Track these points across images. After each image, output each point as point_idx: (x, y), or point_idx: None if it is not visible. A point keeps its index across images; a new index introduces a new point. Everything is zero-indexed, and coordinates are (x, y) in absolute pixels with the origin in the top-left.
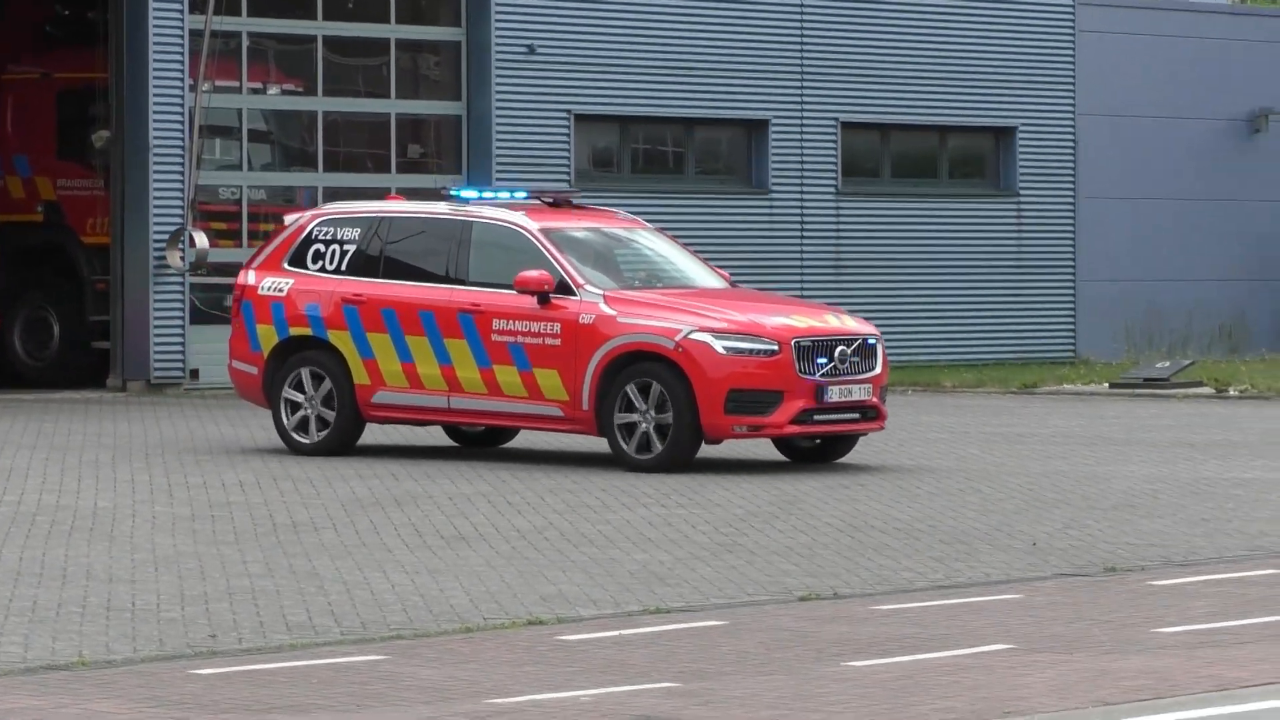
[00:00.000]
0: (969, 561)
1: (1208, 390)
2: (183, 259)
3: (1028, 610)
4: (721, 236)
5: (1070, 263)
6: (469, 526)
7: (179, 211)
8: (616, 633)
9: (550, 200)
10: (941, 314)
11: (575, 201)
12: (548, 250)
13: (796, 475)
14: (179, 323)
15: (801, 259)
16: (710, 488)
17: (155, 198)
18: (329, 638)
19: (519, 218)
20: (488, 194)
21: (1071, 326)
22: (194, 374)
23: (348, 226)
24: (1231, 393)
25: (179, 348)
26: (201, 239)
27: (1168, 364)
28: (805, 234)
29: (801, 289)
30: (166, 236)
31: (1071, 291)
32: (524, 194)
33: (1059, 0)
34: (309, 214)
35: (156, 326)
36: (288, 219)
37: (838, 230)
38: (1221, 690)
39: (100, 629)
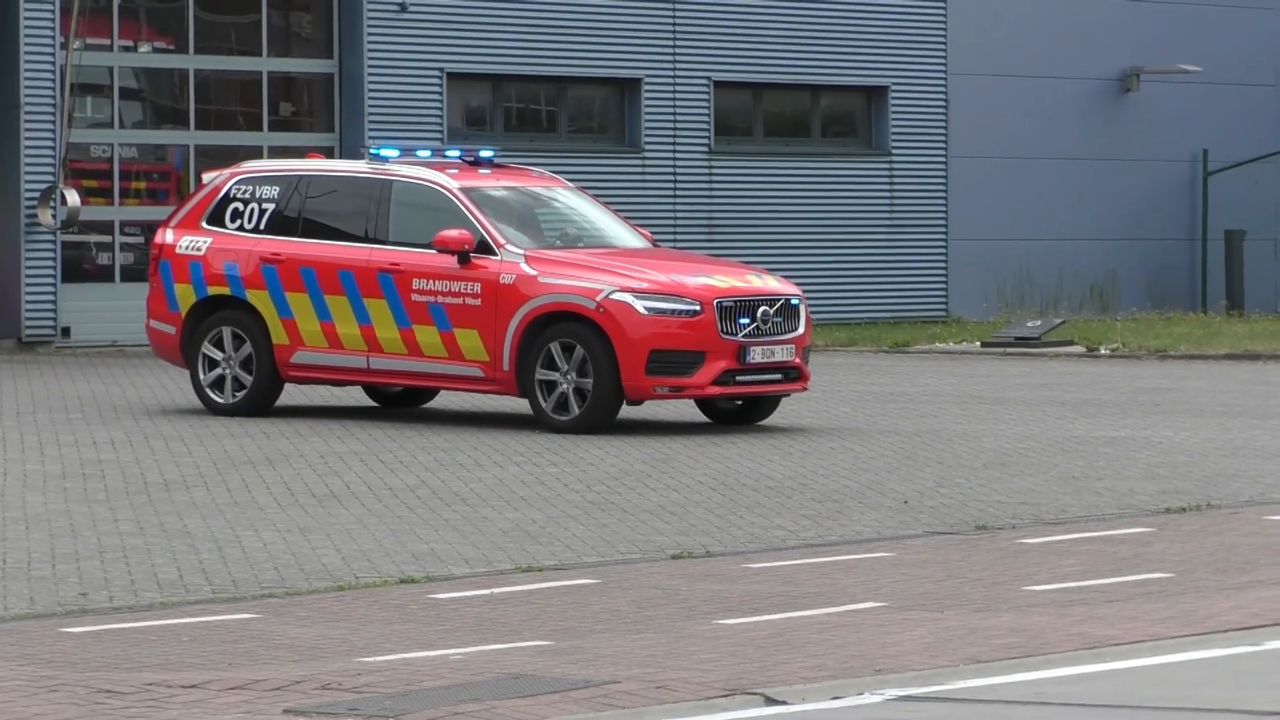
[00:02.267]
0: (840, 520)
1: (1078, 349)
2: (54, 217)
3: (899, 568)
4: (595, 195)
5: (942, 222)
6: (341, 485)
7: (50, 169)
8: (488, 591)
9: (470, 159)
10: (814, 273)
11: (495, 160)
12: (468, 209)
13: (669, 434)
14: (50, 281)
15: (675, 218)
16: (583, 446)
17: (26, 156)
18: (200, 596)
19: (439, 177)
20: (422, 154)
21: (944, 286)
22: (65, 332)
23: (267, 185)
24: (1102, 352)
25: (50, 306)
26: (73, 197)
27: (1039, 323)
28: (678, 193)
29: (675, 248)
30: (38, 194)
31: (944, 251)
32: (457, 153)
33: None
34: (227, 172)
35: (28, 284)
36: (205, 177)
37: (710, 190)
38: (1091, 648)
39: None
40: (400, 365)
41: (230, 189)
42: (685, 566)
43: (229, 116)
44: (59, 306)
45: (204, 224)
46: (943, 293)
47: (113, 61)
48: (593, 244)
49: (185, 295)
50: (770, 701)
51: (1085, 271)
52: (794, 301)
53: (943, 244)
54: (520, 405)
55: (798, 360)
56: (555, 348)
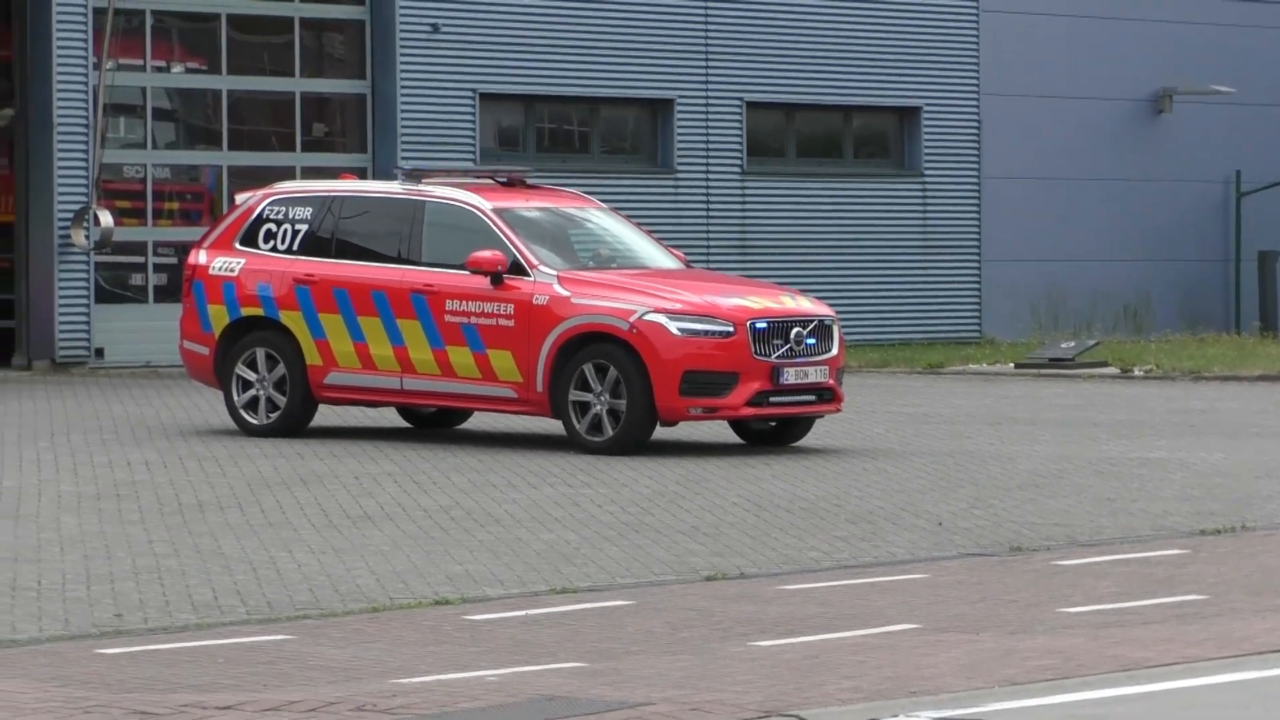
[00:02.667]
0: (875, 541)
1: (1112, 370)
2: (87, 237)
3: (933, 590)
4: (627, 216)
5: (975, 243)
6: (375, 506)
7: (84, 190)
8: (523, 613)
9: (504, 180)
10: (847, 294)
11: (529, 181)
12: (501, 230)
13: (703, 456)
14: (84, 302)
15: (708, 239)
16: (617, 467)
17: (59, 176)
18: (234, 617)
19: (472, 197)
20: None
21: (977, 306)
22: (99, 353)
23: (300, 206)
24: (1136, 373)
25: (84, 326)
26: (106, 217)
27: (1073, 344)
28: (711, 214)
29: (708, 269)
30: (71, 215)
31: (977, 271)
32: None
33: None
34: (260, 193)
35: (61, 305)
36: (239, 198)
37: (743, 210)
38: (1126, 670)
39: (5, 608)
40: (434, 386)
41: (263, 210)
42: (720, 588)
43: (262, 137)
44: (92, 327)
45: (237, 245)
46: (976, 314)
47: (146, 82)
48: (626, 265)
49: (219, 316)
50: None
51: (1118, 292)
52: (827, 322)
53: (976, 265)
54: (554, 426)
55: (831, 381)
56: (589, 369)
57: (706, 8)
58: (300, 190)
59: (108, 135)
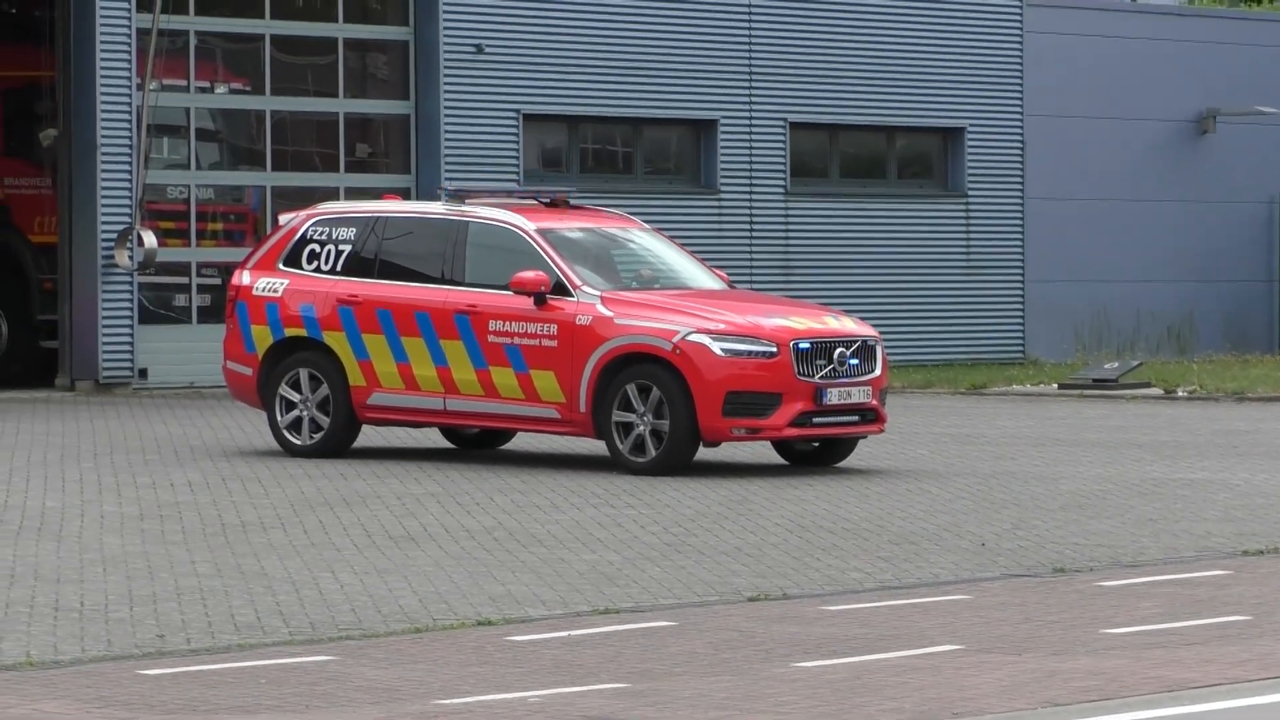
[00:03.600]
0: (917, 562)
1: (1156, 391)
2: (131, 258)
3: (976, 611)
4: (670, 236)
5: (1019, 263)
6: (418, 526)
7: (127, 210)
8: (565, 633)
9: (547, 200)
10: (890, 315)
11: (572, 201)
12: (544, 251)
13: (746, 476)
14: (128, 322)
15: (751, 259)
16: (660, 488)
17: (103, 197)
18: (277, 638)
19: (515, 218)
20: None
21: (1020, 327)
22: (143, 373)
23: (343, 227)
24: (1179, 394)
25: (128, 347)
26: (149, 238)
27: (1116, 365)
28: (754, 234)
29: (751, 289)
30: (114, 236)
31: (1020, 292)
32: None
33: (1007, 1)
34: (304, 214)
35: (105, 326)
36: (282, 219)
37: (786, 230)
38: (1169, 691)
39: (48, 629)
40: (477, 407)
41: (307, 230)
42: (762, 609)
43: (305, 158)
44: (136, 348)
45: (281, 265)
46: (1020, 335)
47: (189, 103)
48: (668, 285)
49: (262, 337)
50: None
51: (1162, 313)
52: (871, 343)
53: (1019, 286)
54: (597, 447)
55: (875, 402)
56: (632, 389)
57: (750, 28)
58: (344, 211)
59: (151, 156)
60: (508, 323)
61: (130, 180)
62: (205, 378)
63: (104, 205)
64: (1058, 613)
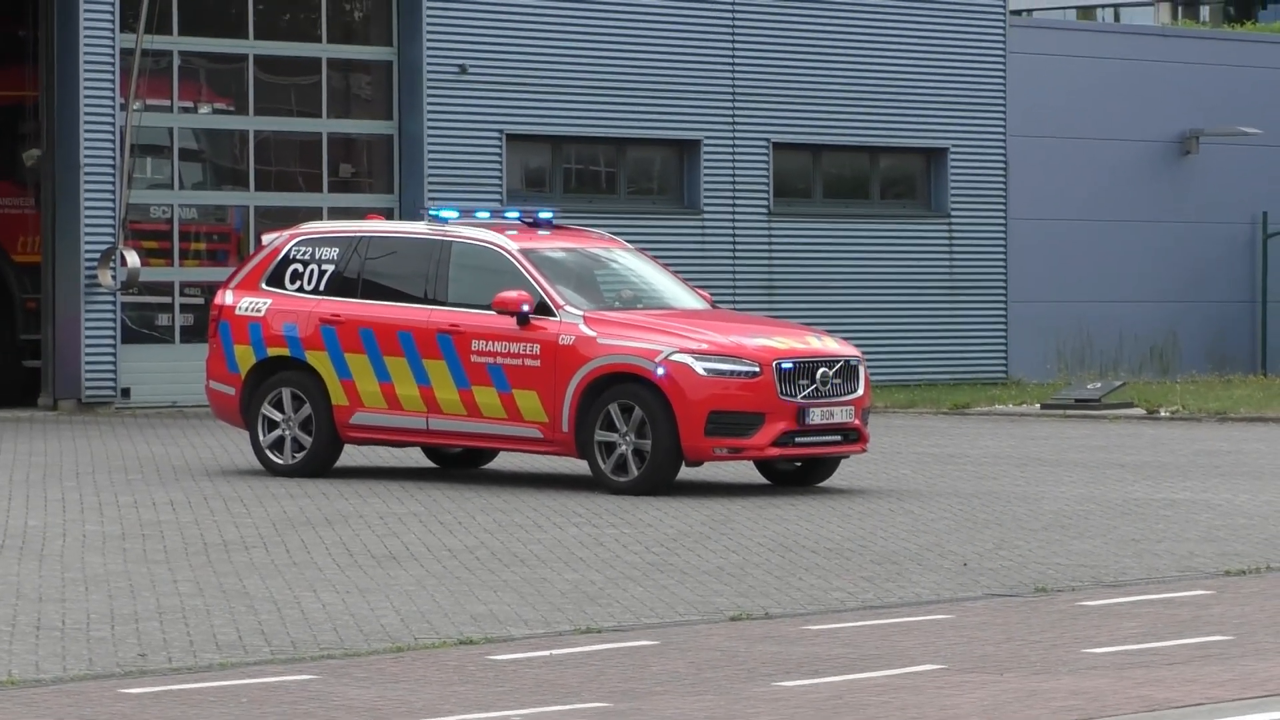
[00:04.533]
0: (900, 582)
1: (1139, 411)
2: (114, 278)
3: (958, 630)
4: (653, 256)
5: (1002, 283)
6: (400, 545)
7: (110, 230)
8: (547, 652)
9: (529, 221)
10: (873, 334)
11: (554, 221)
12: (527, 270)
13: (728, 496)
14: (110, 341)
15: (734, 279)
16: (642, 507)
17: (86, 216)
18: (259, 657)
19: (498, 238)
20: (481, 215)
21: (1003, 347)
22: (125, 393)
23: (326, 246)
24: (1162, 414)
25: (110, 367)
26: (133, 258)
27: (1099, 385)
28: (737, 254)
29: (734, 309)
30: (98, 255)
31: (1003, 312)
32: (516, 215)
33: (990, 22)
34: (287, 234)
35: (88, 346)
36: (265, 238)
37: (770, 251)
38: (1151, 710)
39: (29, 648)
40: (459, 426)
41: (290, 250)
42: (744, 628)
43: (289, 177)
44: (119, 367)
45: (264, 285)
46: (1002, 355)
47: (172, 122)
48: (651, 305)
49: (245, 356)
50: None
51: (1145, 333)
52: (853, 363)
53: (1002, 306)
54: (579, 466)
55: (857, 422)
56: (614, 409)
57: (734, 48)
58: (327, 230)
59: (134, 175)
60: (490, 342)
61: (113, 200)
62: (188, 397)
63: (87, 225)
64: (1040, 632)
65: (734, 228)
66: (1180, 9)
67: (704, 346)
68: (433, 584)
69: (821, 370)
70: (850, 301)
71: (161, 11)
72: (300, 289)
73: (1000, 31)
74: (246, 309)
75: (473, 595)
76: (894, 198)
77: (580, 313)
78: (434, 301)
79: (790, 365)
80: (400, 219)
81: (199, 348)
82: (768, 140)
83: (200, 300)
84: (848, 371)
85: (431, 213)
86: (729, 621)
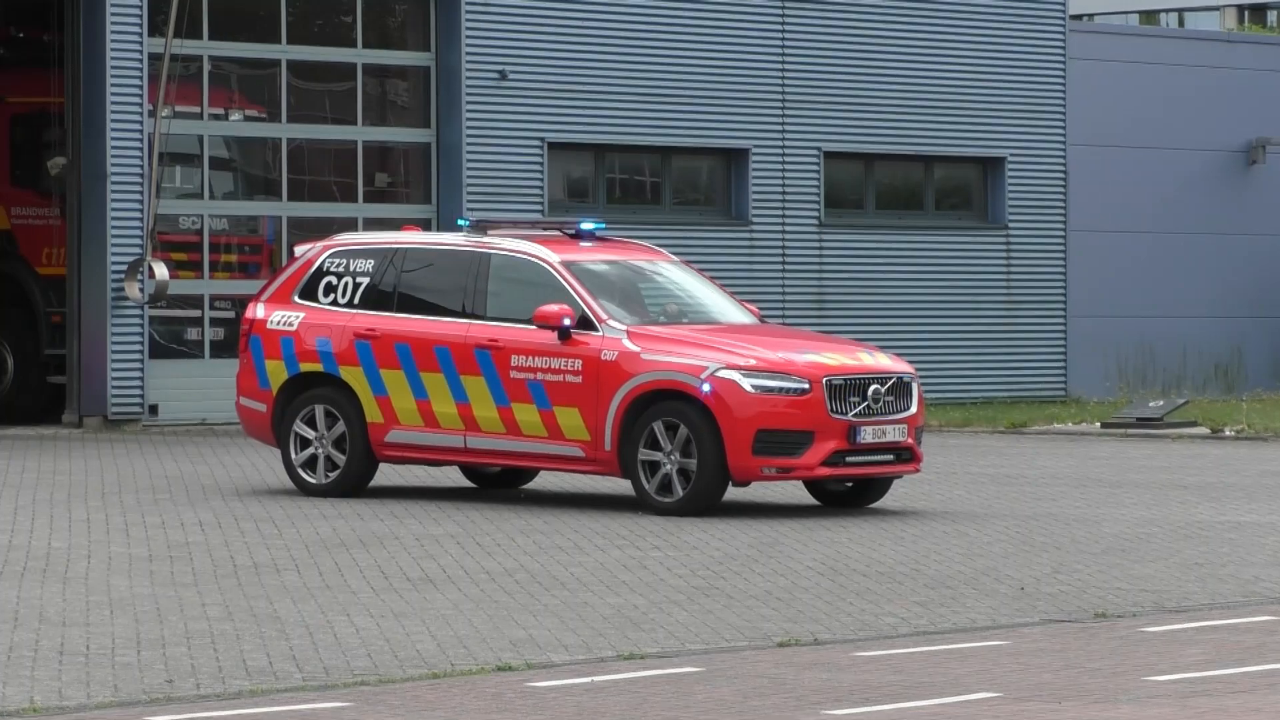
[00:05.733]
0: (954, 607)
1: (1202, 430)
2: (141, 290)
3: (1015, 658)
4: (700, 269)
5: (1061, 298)
6: (436, 568)
7: (138, 241)
8: (589, 679)
9: (572, 231)
10: (928, 350)
11: (597, 233)
12: (569, 283)
13: (776, 517)
14: (138, 357)
15: (783, 293)
16: (687, 529)
17: (113, 227)
18: (291, 684)
19: (539, 250)
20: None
21: (1062, 364)
22: (153, 410)
23: (361, 258)
24: (1227, 433)
25: (138, 383)
26: (161, 270)
27: (1161, 403)
28: (787, 267)
29: (783, 323)
30: (124, 267)
31: (1062, 327)
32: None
33: (1049, 27)
34: (320, 245)
35: (114, 361)
36: (298, 250)
37: (820, 263)
38: None
39: (53, 674)
40: (498, 445)
41: (323, 262)
42: (793, 655)
43: (323, 187)
44: (146, 383)
45: (296, 298)
46: (1061, 371)
47: (203, 130)
48: (697, 320)
49: (276, 372)
50: None
51: (1209, 350)
52: (906, 379)
53: (1061, 321)
54: (622, 486)
55: (910, 441)
56: (659, 427)
57: (783, 54)
58: (362, 242)
59: (163, 185)
60: (531, 358)
61: (141, 210)
62: (218, 414)
63: (114, 236)
64: (1099, 660)
65: (783, 239)
66: (1247, 14)
67: (752, 362)
68: (470, 608)
69: (874, 387)
70: (903, 316)
71: (191, 15)
72: (334, 302)
73: (1060, 36)
74: (278, 323)
75: (512, 620)
76: (949, 209)
77: (624, 327)
78: (472, 315)
79: (841, 382)
80: (438, 230)
81: (229, 363)
82: (818, 149)
83: (231, 314)
84: (901, 388)
85: (459, 221)
86: (777, 648)
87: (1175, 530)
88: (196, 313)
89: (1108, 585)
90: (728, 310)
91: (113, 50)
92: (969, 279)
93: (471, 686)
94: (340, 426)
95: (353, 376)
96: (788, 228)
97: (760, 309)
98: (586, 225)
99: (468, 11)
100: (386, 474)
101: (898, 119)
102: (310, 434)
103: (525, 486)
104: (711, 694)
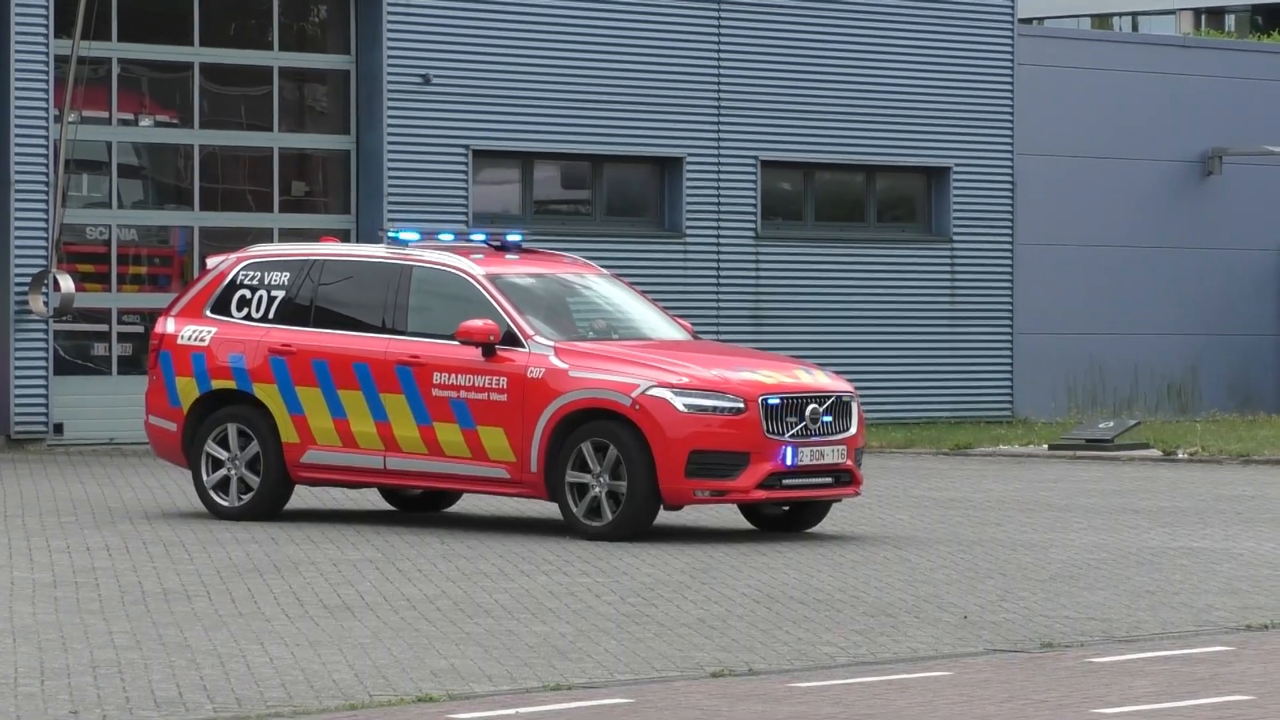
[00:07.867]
0: (895, 636)
1: (1155, 453)
2: (46, 304)
3: (958, 689)
4: (631, 283)
5: (1008, 314)
6: (354, 595)
7: (42, 252)
8: (513, 711)
9: (497, 244)
10: (868, 368)
11: (524, 245)
12: (493, 298)
13: (709, 542)
14: (42, 373)
15: (718, 308)
16: (616, 554)
17: (16, 237)
18: (201, 715)
19: (463, 262)
20: (444, 238)
21: (1008, 383)
22: (58, 429)
23: (276, 271)
24: (1180, 455)
25: (42, 400)
26: (67, 282)
27: (1112, 424)
28: (722, 281)
29: (718, 340)
30: (29, 280)
31: (1009, 345)
32: (483, 237)
33: (997, 31)
34: (234, 257)
35: (17, 377)
36: (210, 262)
37: (757, 277)
38: None
39: None
40: (420, 466)
41: (237, 275)
42: (727, 685)
43: (237, 196)
44: (51, 401)
45: (208, 312)
46: (1008, 391)
47: (111, 136)
48: (628, 336)
49: (187, 389)
50: None
51: (1162, 369)
52: (846, 399)
53: (1008, 338)
54: (549, 509)
55: (849, 463)
56: (587, 448)
57: (719, 59)
58: (277, 254)
59: (69, 193)
60: (454, 375)
61: (46, 220)
62: (126, 433)
63: (17, 247)
64: (1045, 691)
65: (719, 252)
66: (1204, 18)
67: (684, 380)
68: (390, 637)
69: (811, 407)
70: (843, 332)
71: (100, 15)
72: (248, 317)
73: (1008, 41)
74: (189, 338)
75: (433, 649)
76: (892, 220)
77: (551, 344)
78: (393, 331)
79: (778, 401)
80: (357, 241)
81: (138, 380)
82: (755, 158)
83: (140, 328)
84: (840, 408)
85: (391, 235)
86: (710, 678)
87: (1126, 557)
88: (104, 327)
89: (1055, 614)
90: (659, 326)
91: (16, 51)
92: (912, 294)
93: (391, 718)
94: (254, 447)
95: (267, 394)
96: (723, 240)
97: (694, 325)
98: (512, 237)
99: (389, 13)
100: (303, 496)
101: (838, 127)
102: (223, 454)
103: (447, 509)
104: None
